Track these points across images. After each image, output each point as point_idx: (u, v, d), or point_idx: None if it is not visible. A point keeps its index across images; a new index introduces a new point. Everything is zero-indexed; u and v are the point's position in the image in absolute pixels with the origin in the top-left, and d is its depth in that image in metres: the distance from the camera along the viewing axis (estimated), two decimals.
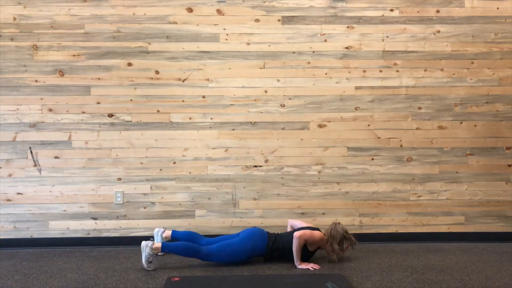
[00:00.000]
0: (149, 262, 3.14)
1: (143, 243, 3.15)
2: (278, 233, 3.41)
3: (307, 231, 3.26)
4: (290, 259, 3.26)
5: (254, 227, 3.56)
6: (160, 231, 3.47)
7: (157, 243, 3.18)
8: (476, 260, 3.42)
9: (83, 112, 3.83)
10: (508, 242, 3.92)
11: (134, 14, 3.84)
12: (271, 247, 3.28)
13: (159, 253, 3.33)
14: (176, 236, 3.44)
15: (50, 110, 3.82)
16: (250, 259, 3.31)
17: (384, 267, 3.25)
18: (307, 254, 3.30)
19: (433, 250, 3.70)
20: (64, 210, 3.83)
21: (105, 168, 3.84)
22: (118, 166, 3.85)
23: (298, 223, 3.50)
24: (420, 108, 3.94)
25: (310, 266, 3.18)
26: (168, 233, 3.46)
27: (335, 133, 3.92)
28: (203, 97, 3.88)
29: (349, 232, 3.36)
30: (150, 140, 3.86)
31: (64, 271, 3.16)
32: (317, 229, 3.38)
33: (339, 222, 3.40)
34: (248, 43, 3.88)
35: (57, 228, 3.83)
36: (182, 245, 3.21)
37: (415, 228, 3.96)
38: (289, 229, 3.57)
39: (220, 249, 3.21)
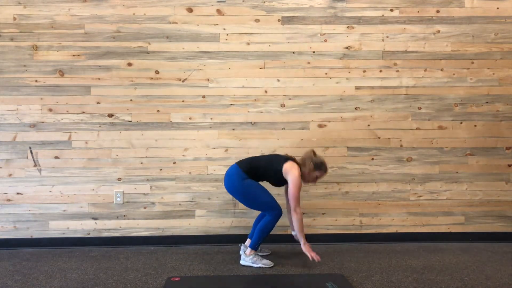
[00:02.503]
0: (260, 260, 3.22)
1: (241, 262, 3.26)
2: (252, 157, 3.40)
3: (292, 194, 3.19)
4: (267, 181, 3.35)
5: (229, 170, 3.36)
6: (241, 246, 3.41)
7: (247, 250, 3.26)
8: (476, 260, 3.42)
9: (83, 112, 3.83)
10: (508, 242, 3.92)
11: (134, 14, 3.84)
12: (248, 168, 3.25)
13: (261, 253, 3.40)
14: (250, 236, 3.49)
15: (50, 110, 3.82)
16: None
17: (384, 267, 3.25)
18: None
19: (433, 250, 3.70)
20: (64, 210, 3.83)
21: (105, 168, 3.85)
22: (118, 166, 3.85)
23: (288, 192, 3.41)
24: (420, 108, 3.95)
25: (313, 254, 3.16)
26: (248, 241, 3.46)
27: (335, 133, 3.92)
28: (203, 97, 3.88)
29: (324, 162, 3.35)
30: (150, 140, 3.86)
31: (64, 271, 3.16)
32: (285, 157, 3.33)
33: (313, 150, 3.38)
34: (248, 43, 3.88)
35: (57, 228, 3.83)
36: (257, 230, 3.23)
37: (415, 228, 3.96)
38: (288, 214, 3.53)
39: (261, 206, 3.23)
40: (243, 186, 3.22)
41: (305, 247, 3.20)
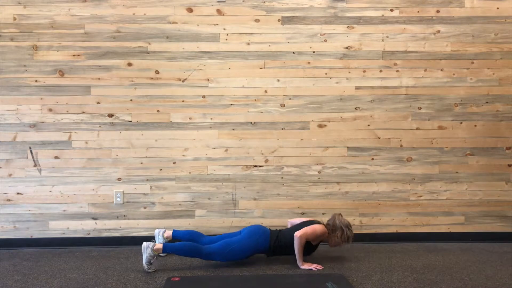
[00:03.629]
0: (149, 263, 3.11)
1: (144, 244, 3.12)
2: (279, 230, 3.40)
3: (308, 229, 3.23)
4: (293, 255, 3.25)
5: (256, 224, 3.53)
6: (161, 231, 3.47)
7: (158, 244, 3.15)
8: (476, 260, 3.42)
9: (83, 112, 3.83)
10: (508, 242, 3.92)
11: (134, 14, 3.84)
12: (273, 245, 3.26)
13: (160, 254, 3.32)
14: (177, 235, 3.44)
15: (50, 110, 3.82)
16: (252, 257, 3.30)
17: (384, 267, 3.25)
18: (310, 248, 3.29)
19: (433, 250, 3.70)
20: (64, 210, 3.83)
21: (105, 168, 3.85)
22: (118, 166, 3.85)
23: (298, 219, 3.49)
24: (420, 108, 3.95)
25: (313, 266, 3.17)
26: (169, 233, 3.46)
27: (335, 133, 3.92)
28: (203, 97, 3.88)
29: (348, 222, 3.36)
30: (150, 140, 3.86)
31: (64, 271, 3.16)
32: (317, 221, 3.37)
33: (340, 214, 3.38)
34: (248, 43, 3.88)
35: (57, 228, 3.83)
36: (184, 245, 3.19)
37: (415, 228, 3.96)
38: (289, 226, 3.56)
39: (223, 247, 3.19)
40: (249, 243, 3.22)
41: (304, 266, 3.19)
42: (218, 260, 3.22)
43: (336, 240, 3.30)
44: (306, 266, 3.18)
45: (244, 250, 3.22)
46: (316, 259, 3.40)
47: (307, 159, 3.92)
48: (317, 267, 3.16)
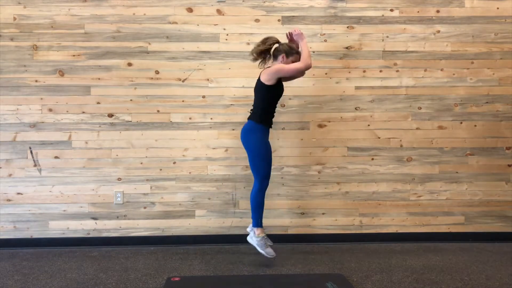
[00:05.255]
0: (265, 247, 3.21)
1: (248, 238, 3.30)
2: (250, 110, 3.39)
3: (291, 70, 3.23)
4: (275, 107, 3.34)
5: (246, 126, 3.37)
6: (250, 226, 3.43)
7: (254, 229, 3.27)
8: (476, 260, 3.42)
9: (83, 112, 3.83)
10: (508, 242, 3.92)
11: (134, 14, 3.84)
12: (260, 120, 3.25)
13: (269, 243, 3.33)
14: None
15: (50, 110, 3.82)
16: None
17: (384, 267, 3.25)
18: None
19: (433, 250, 3.70)
20: (64, 210, 3.83)
21: (105, 168, 3.85)
22: (118, 166, 3.85)
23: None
24: (420, 108, 3.95)
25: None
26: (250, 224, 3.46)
27: (335, 133, 3.92)
28: (203, 97, 3.88)
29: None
30: (150, 140, 3.86)
31: (64, 271, 3.16)
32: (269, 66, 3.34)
33: (277, 41, 3.37)
34: (248, 43, 3.88)
35: (57, 228, 3.83)
36: (251, 205, 3.27)
37: (415, 228, 3.96)
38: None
39: (256, 171, 3.24)
40: (255, 144, 3.22)
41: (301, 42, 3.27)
42: (267, 173, 3.26)
43: (286, 60, 3.30)
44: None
45: (263, 159, 3.23)
46: (316, 259, 3.40)
47: (307, 159, 3.92)
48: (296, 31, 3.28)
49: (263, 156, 3.24)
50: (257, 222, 3.28)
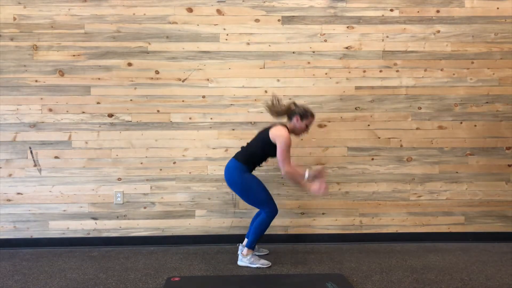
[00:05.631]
0: (258, 261, 3.22)
1: (239, 262, 3.26)
2: (244, 145, 3.38)
3: (281, 157, 3.15)
4: (270, 158, 3.34)
5: (228, 164, 3.35)
6: (240, 246, 3.37)
7: (244, 250, 3.26)
8: (476, 260, 3.42)
9: (83, 112, 3.83)
10: (508, 242, 3.92)
11: (134, 14, 3.84)
12: (245, 160, 3.24)
13: (258, 253, 3.42)
14: (248, 234, 3.40)
15: (50, 110, 3.82)
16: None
17: (384, 267, 3.25)
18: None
19: (433, 250, 3.70)
20: (64, 210, 3.83)
21: (105, 168, 3.85)
22: (118, 166, 3.85)
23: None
24: (420, 108, 3.95)
25: (321, 187, 3.13)
26: (245, 241, 3.40)
27: (335, 133, 3.92)
28: (203, 97, 3.88)
29: (308, 107, 3.34)
30: (150, 140, 3.86)
31: (64, 271, 3.16)
32: (274, 124, 3.31)
33: (293, 102, 3.36)
34: (248, 43, 3.88)
35: (57, 228, 3.83)
36: (252, 229, 3.23)
37: (415, 228, 3.96)
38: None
39: (257, 203, 3.22)
40: (242, 181, 3.21)
41: (312, 188, 3.16)
42: (272, 206, 3.21)
43: (296, 131, 3.31)
44: (314, 187, 3.16)
45: (252, 187, 3.20)
46: (316, 259, 3.40)
47: (307, 159, 3.91)
48: (323, 187, 3.12)
49: (253, 186, 3.21)
50: (252, 245, 3.24)
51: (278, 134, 3.18)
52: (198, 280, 2.96)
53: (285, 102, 3.38)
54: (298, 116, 3.29)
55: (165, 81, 3.86)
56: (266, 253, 3.54)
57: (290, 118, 3.32)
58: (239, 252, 3.33)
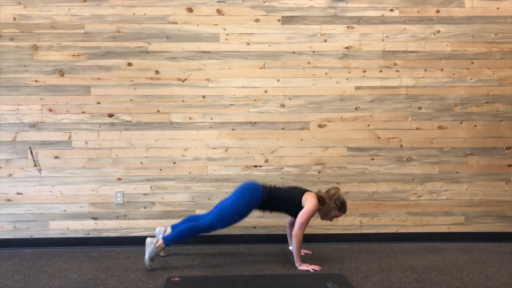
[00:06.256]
0: (151, 260, 3.13)
1: (148, 239, 3.14)
2: (274, 186, 3.37)
3: (303, 217, 3.14)
4: (285, 211, 3.28)
5: (253, 184, 3.39)
6: (162, 230, 3.47)
7: (160, 240, 3.16)
8: (476, 260, 3.42)
9: (83, 112, 3.84)
10: (508, 242, 3.92)
11: (134, 14, 3.84)
12: (267, 197, 3.22)
13: (161, 254, 3.34)
14: (175, 227, 3.44)
15: (50, 110, 3.82)
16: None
17: (384, 267, 3.25)
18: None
19: (433, 250, 3.70)
20: (64, 210, 3.83)
21: (105, 168, 3.85)
22: (118, 166, 3.85)
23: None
24: (420, 108, 3.95)
25: (311, 267, 3.16)
26: (169, 230, 3.45)
27: (335, 133, 3.92)
28: (203, 97, 3.88)
29: (345, 201, 3.31)
30: (150, 140, 3.86)
31: (64, 271, 3.16)
32: (308, 191, 3.31)
33: (337, 188, 3.34)
34: (248, 43, 3.88)
35: (57, 228, 3.83)
36: (180, 228, 3.17)
37: (415, 228, 3.96)
38: (288, 228, 3.55)
39: (218, 213, 3.17)
40: (243, 202, 3.19)
41: (301, 267, 3.17)
42: (219, 228, 3.17)
43: (324, 213, 3.30)
44: (304, 266, 3.17)
45: (240, 209, 3.18)
46: (315, 259, 3.40)
47: (307, 159, 3.92)
48: (315, 268, 3.15)
49: (241, 211, 3.20)
50: (170, 242, 3.16)
51: (310, 200, 3.20)
52: (198, 280, 2.96)
53: (332, 191, 3.31)
54: (335, 205, 3.26)
55: (165, 81, 3.86)
56: (165, 255, 3.46)
57: (326, 200, 3.27)
58: (156, 233, 3.39)
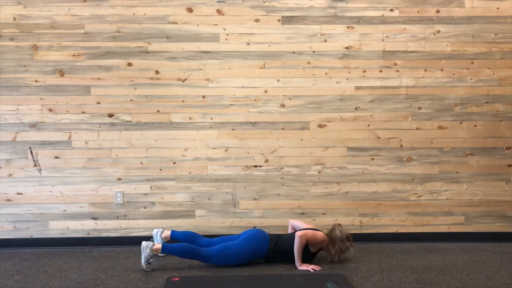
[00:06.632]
0: (148, 263, 3.14)
1: (144, 243, 3.15)
2: (279, 235, 3.40)
3: (309, 231, 3.25)
4: (291, 261, 3.25)
5: (255, 228, 3.56)
6: (159, 231, 3.48)
7: (158, 244, 3.17)
8: (476, 260, 3.42)
9: (83, 112, 3.83)
10: (508, 242, 3.92)
11: (134, 14, 3.84)
12: (272, 249, 3.27)
13: (159, 255, 3.33)
14: (175, 236, 3.44)
15: (50, 110, 3.82)
16: (251, 261, 3.30)
17: (384, 267, 3.25)
18: (308, 255, 3.29)
19: (433, 250, 3.70)
20: (64, 210, 3.83)
21: (105, 168, 3.85)
22: (118, 166, 3.85)
23: (299, 224, 3.48)
24: (420, 108, 3.95)
25: (310, 267, 3.17)
26: (167, 233, 3.46)
27: (335, 133, 3.92)
28: (203, 97, 3.88)
29: (349, 234, 3.35)
30: (150, 140, 3.86)
31: (64, 271, 3.16)
32: (319, 230, 3.38)
33: (339, 224, 3.39)
34: (248, 43, 3.88)
35: (57, 228, 3.83)
36: (183, 246, 3.20)
37: (415, 228, 3.96)
38: (290, 230, 3.57)
39: (221, 251, 3.21)
40: (246, 249, 3.22)
41: (302, 267, 3.18)
42: (216, 263, 3.22)
43: (332, 252, 3.31)
44: (304, 267, 3.18)
45: (243, 254, 3.23)
46: (315, 259, 3.40)
47: (307, 159, 3.92)
48: (315, 268, 3.16)
49: (243, 258, 3.23)
50: (167, 252, 3.19)
51: (318, 234, 3.27)
52: (198, 280, 2.96)
53: (338, 233, 3.34)
54: (339, 248, 3.29)
55: (165, 81, 3.86)
56: (163, 255, 3.46)
57: (332, 241, 3.31)
58: (155, 235, 3.44)
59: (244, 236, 3.31)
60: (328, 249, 3.34)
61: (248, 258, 3.25)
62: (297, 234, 3.20)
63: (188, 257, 3.21)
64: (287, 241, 3.29)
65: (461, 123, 3.96)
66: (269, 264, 3.28)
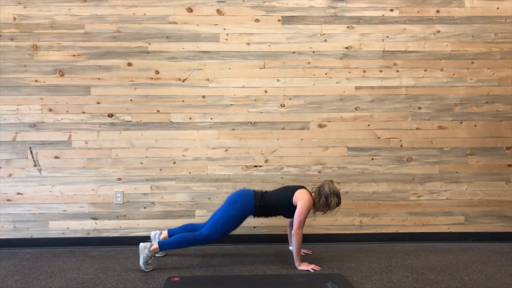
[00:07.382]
0: (147, 263, 3.14)
1: (141, 244, 3.15)
2: (266, 191, 3.37)
3: (300, 216, 3.15)
4: (280, 216, 3.30)
5: (239, 189, 3.46)
6: (157, 233, 3.47)
7: (155, 244, 3.17)
8: (476, 260, 3.42)
9: (83, 112, 3.84)
10: (508, 242, 3.92)
11: (134, 14, 3.84)
12: (259, 205, 3.23)
13: (157, 255, 3.33)
14: (172, 233, 3.44)
15: (50, 110, 3.82)
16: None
17: (384, 267, 3.25)
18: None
19: (433, 250, 3.70)
20: (64, 210, 3.83)
21: (105, 168, 3.85)
22: (118, 166, 3.85)
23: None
24: (420, 108, 3.95)
25: (310, 267, 3.16)
26: (165, 233, 3.46)
27: (335, 133, 3.92)
28: (203, 97, 3.88)
29: (339, 191, 3.27)
30: (150, 140, 3.86)
31: (64, 271, 3.16)
32: (302, 187, 3.31)
33: (331, 181, 3.30)
34: (248, 43, 3.88)
35: (57, 228, 3.83)
36: (177, 237, 3.20)
37: (415, 228, 3.96)
38: (288, 227, 3.55)
39: (213, 226, 3.19)
40: (235, 212, 3.20)
41: (300, 267, 3.17)
42: (215, 239, 3.20)
43: (319, 206, 3.26)
44: (303, 266, 3.18)
45: (233, 219, 3.20)
46: (315, 259, 3.40)
47: (307, 159, 3.92)
48: (315, 268, 3.15)
49: (234, 220, 3.21)
50: (166, 248, 3.20)
51: (301, 197, 3.21)
52: (198, 280, 2.96)
53: (327, 188, 3.25)
54: (324, 202, 3.22)
55: (165, 81, 3.86)
56: (163, 255, 3.48)
57: (319, 196, 3.23)
58: (152, 237, 3.44)
59: (227, 201, 3.28)
60: (313, 205, 3.28)
61: (239, 219, 3.22)
62: (293, 233, 3.17)
63: (186, 246, 3.21)
64: (274, 196, 3.28)
65: (461, 123, 3.96)
66: (269, 264, 3.28)
